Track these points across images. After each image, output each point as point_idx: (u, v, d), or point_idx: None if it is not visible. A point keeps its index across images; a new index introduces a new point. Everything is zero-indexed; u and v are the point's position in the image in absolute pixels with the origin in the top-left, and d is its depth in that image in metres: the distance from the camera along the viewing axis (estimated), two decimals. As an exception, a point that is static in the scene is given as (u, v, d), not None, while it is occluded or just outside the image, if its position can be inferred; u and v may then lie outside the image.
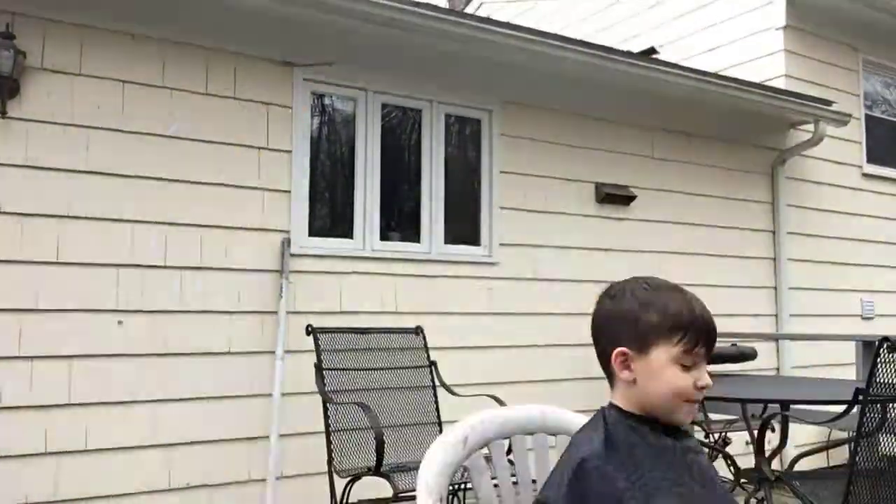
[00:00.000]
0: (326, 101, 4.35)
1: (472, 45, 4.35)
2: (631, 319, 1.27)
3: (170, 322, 3.64)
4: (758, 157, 5.97)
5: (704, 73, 5.41)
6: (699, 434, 4.88)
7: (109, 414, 3.48)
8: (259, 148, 3.95)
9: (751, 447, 3.70)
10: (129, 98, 3.63)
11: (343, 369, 3.72)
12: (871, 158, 6.75)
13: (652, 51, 7.08)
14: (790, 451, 4.73)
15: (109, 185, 3.56)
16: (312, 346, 3.66)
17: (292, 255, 3.97)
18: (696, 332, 1.26)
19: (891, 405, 2.72)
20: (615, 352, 1.29)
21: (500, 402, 3.66)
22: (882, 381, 2.73)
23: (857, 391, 2.76)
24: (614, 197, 5.12)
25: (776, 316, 5.93)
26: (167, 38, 3.74)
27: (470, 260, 4.59)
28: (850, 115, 6.09)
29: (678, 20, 7.01)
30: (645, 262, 5.24)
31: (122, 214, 3.57)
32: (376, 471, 3.22)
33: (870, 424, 2.72)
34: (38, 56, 3.44)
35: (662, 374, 1.25)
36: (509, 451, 1.57)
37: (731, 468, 3.88)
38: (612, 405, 1.32)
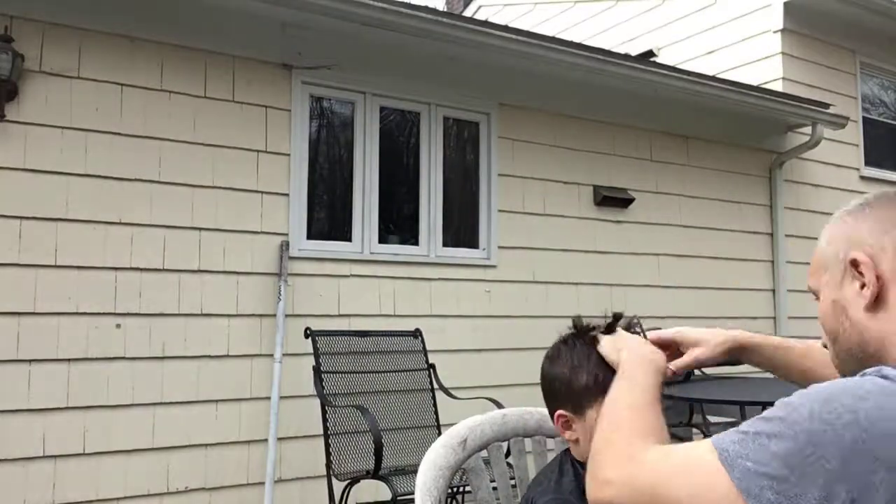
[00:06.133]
0: (325, 103, 4.35)
1: (471, 49, 4.35)
2: (565, 382, 1.28)
3: (168, 325, 3.64)
4: (756, 159, 5.98)
5: (702, 76, 5.42)
6: (698, 437, 4.88)
7: (108, 417, 3.47)
8: (257, 151, 3.95)
9: (749, 450, 3.69)
10: (128, 101, 3.63)
11: (341, 372, 3.72)
12: (869, 161, 6.77)
13: (650, 54, 7.10)
14: (789, 454, 4.72)
15: (107, 188, 3.56)
16: (311, 349, 3.66)
17: (291, 258, 3.97)
18: None
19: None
20: (556, 414, 1.30)
21: (499, 405, 3.66)
22: (880, 383, 2.73)
23: (856, 393, 2.75)
24: (612, 199, 5.13)
25: (774, 318, 5.93)
26: (165, 41, 3.74)
27: (468, 262, 4.59)
28: (847, 118, 6.11)
29: (676, 23, 7.02)
30: (643, 264, 5.25)
31: (120, 217, 3.57)
32: (375, 474, 3.22)
33: (868, 427, 2.72)
34: (37, 59, 3.44)
35: None
36: (508, 453, 1.57)
37: (730, 471, 3.87)
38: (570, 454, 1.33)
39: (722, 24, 6.60)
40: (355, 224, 4.29)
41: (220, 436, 3.71)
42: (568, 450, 1.34)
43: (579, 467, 1.28)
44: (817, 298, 1.04)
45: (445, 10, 9.04)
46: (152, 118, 3.68)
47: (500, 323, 4.63)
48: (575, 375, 1.26)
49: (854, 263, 0.95)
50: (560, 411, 1.29)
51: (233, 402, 3.76)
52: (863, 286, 0.94)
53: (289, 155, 4.05)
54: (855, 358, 0.95)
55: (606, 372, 1.22)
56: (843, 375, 0.96)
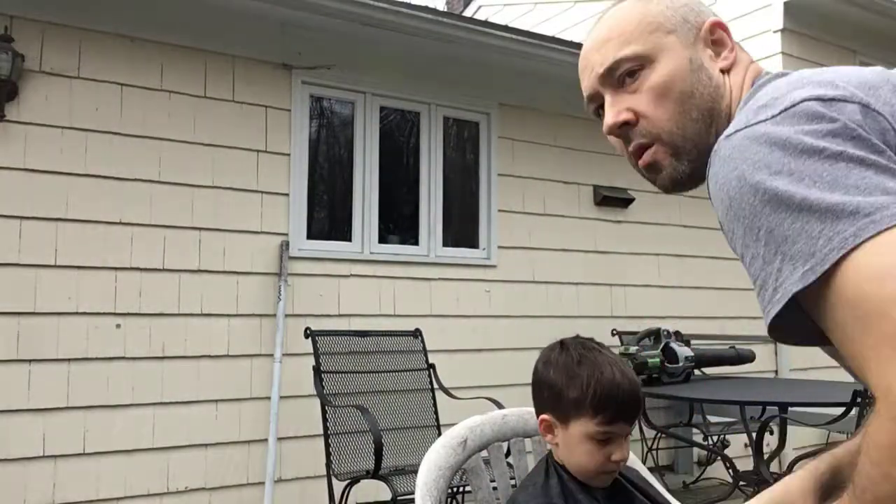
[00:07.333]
0: (325, 103, 4.35)
1: (471, 49, 4.36)
2: (556, 391, 1.30)
3: (168, 325, 3.64)
4: (756, 159, 5.97)
5: (702, 76, 5.41)
6: (698, 436, 4.88)
7: (108, 417, 3.47)
8: (257, 151, 3.95)
9: (749, 449, 3.70)
10: (128, 101, 3.63)
11: (341, 372, 3.72)
12: (869, 161, 6.75)
13: (650, 54, 7.09)
14: (789, 454, 4.73)
15: (107, 188, 3.56)
16: (311, 349, 3.65)
17: (291, 258, 3.97)
18: (614, 410, 1.27)
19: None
20: (540, 417, 1.34)
21: (499, 405, 3.66)
22: (880, 383, 2.73)
23: (856, 393, 2.76)
24: (612, 199, 5.13)
25: (774, 318, 5.93)
26: (165, 41, 3.74)
27: (468, 262, 4.59)
28: (847, 118, 6.10)
29: (676, 23, 7.01)
30: (643, 264, 5.25)
31: (120, 217, 3.57)
32: (375, 474, 3.22)
33: (868, 427, 2.72)
34: (37, 59, 3.44)
35: (578, 447, 1.29)
36: (508, 453, 1.57)
37: (730, 471, 3.88)
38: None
39: (722, 24, 6.59)
40: (355, 224, 4.29)
41: (220, 436, 3.72)
42: (552, 453, 1.35)
43: (562, 471, 1.31)
44: (640, 67, 0.97)
45: (445, 10, 9.04)
46: (152, 118, 3.68)
47: (500, 323, 4.63)
48: (566, 387, 1.28)
49: (713, 29, 0.98)
50: (544, 416, 1.32)
51: (233, 402, 3.76)
52: (721, 51, 0.98)
53: (289, 155, 4.05)
54: (707, 114, 0.96)
55: (595, 387, 1.25)
56: (687, 137, 0.96)
